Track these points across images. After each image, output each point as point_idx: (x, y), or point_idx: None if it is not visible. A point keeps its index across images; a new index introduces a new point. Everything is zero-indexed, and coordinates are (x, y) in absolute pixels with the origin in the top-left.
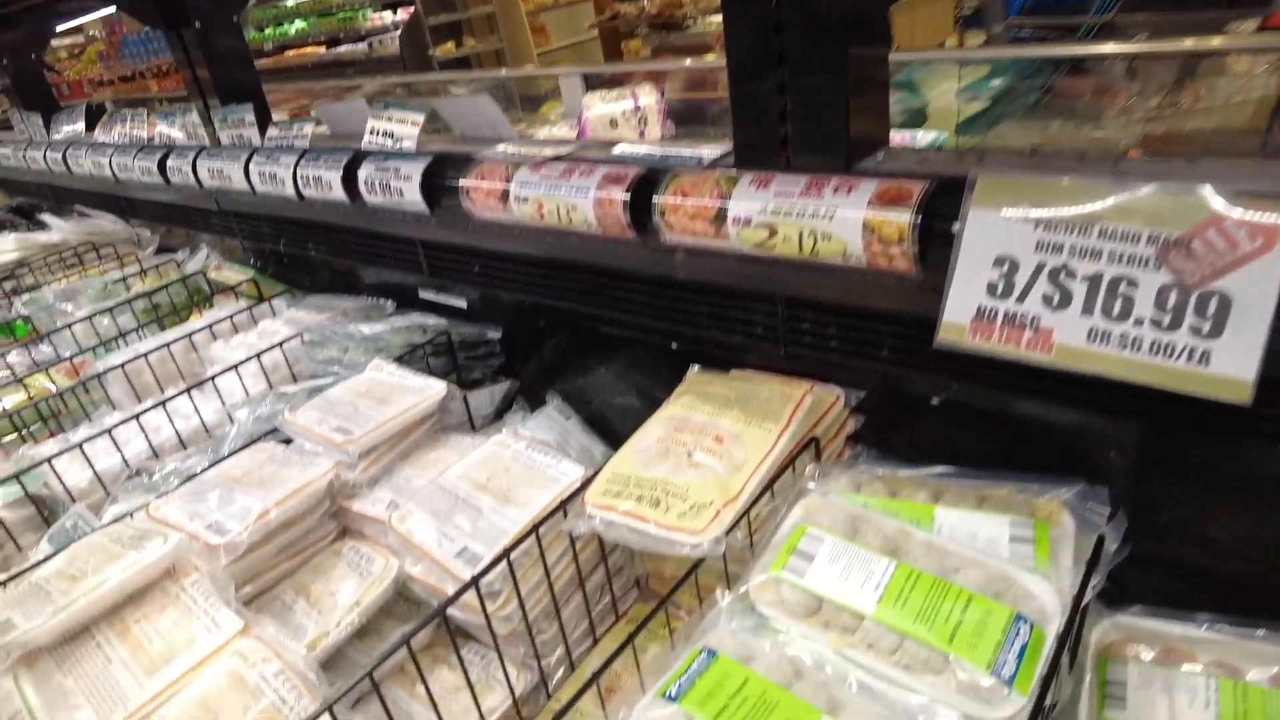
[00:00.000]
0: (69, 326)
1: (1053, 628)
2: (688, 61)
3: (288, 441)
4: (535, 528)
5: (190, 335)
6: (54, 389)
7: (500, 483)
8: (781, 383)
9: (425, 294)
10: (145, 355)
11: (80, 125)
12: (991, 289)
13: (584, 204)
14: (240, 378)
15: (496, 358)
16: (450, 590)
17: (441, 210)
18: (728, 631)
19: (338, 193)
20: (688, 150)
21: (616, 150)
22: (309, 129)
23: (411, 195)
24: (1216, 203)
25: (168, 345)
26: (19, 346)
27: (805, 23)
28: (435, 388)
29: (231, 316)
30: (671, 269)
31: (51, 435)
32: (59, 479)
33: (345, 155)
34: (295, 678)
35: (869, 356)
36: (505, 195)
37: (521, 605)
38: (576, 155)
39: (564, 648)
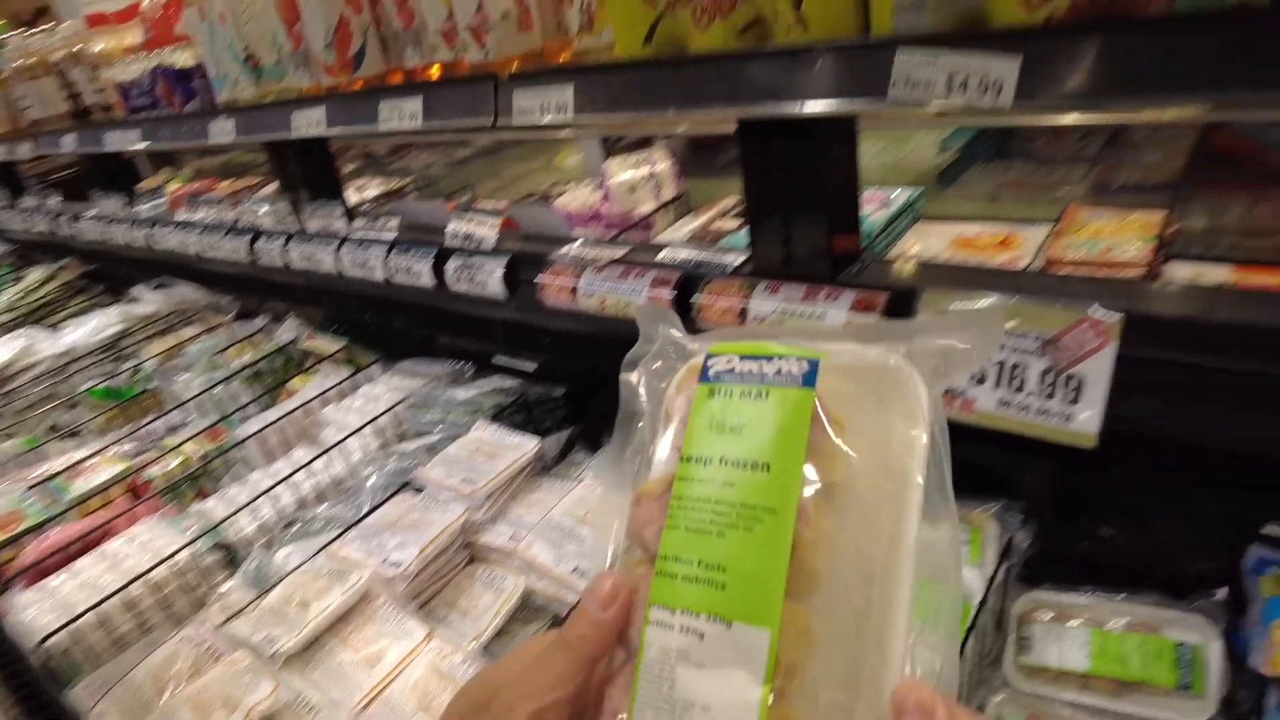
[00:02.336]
0: (195, 398)
1: (975, 599)
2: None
3: (419, 490)
4: None
5: (307, 403)
6: (203, 452)
7: (593, 517)
8: None
9: (499, 360)
10: (275, 422)
11: (163, 201)
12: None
13: (638, 300)
14: (360, 436)
15: (562, 409)
16: (568, 597)
17: (518, 297)
18: None
19: (425, 281)
20: (716, 258)
21: (661, 256)
22: (394, 222)
23: (494, 287)
24: (1075, 314)
25: (291, 413)
26: (159, 416)
27: (800, 182)
28: (531, 443)
29: (339, 384)
30: None
31: (202, 492)
32: (236, 533)
33: (431, 249)
34: (475, 664)
35: None
36: (574, 290)
37: None
38: (630, 259)
39: None
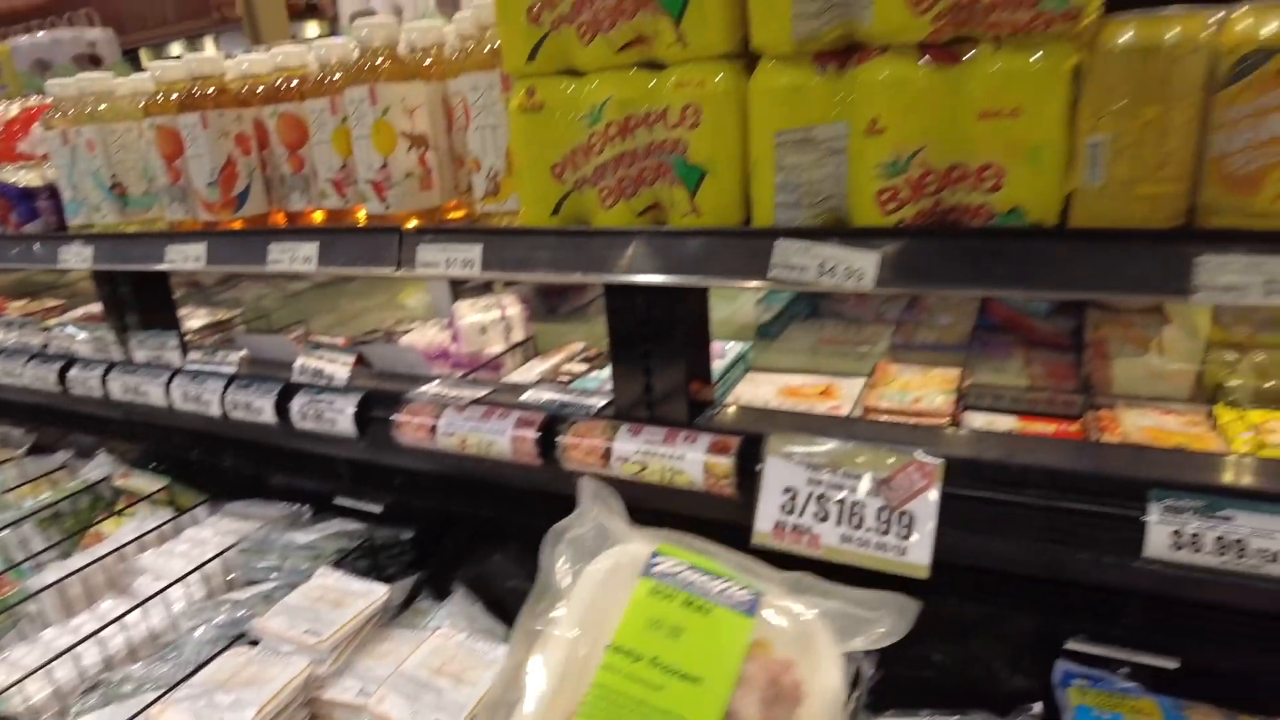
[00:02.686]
0: None
1: None
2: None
3: (254, 642)
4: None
5: (120, 548)
6: None
7: (452, 667)
8: None
9: (341, 501)
10: (80, 570)
11: None
12: (783, 508)
13: (501, 440)
14: (183, 584)
15: (409, 553)
16: None
17: (368, 436)
18: None
19: (266, 417)
20: (580, 400)
21: (525, 396)
22: (234, 355)
23: (345, 425)
24: (904, 458)
25: (100, 559)
26: None
27: (660, 337)
28: (379, 591)
29: (159, 527)
30: (570, 488)
31: None
32: (22, 701)
33: (275, 385)
34: None
35: None
36: (434, 429)
37: None
38: (492, 400)
39: None
